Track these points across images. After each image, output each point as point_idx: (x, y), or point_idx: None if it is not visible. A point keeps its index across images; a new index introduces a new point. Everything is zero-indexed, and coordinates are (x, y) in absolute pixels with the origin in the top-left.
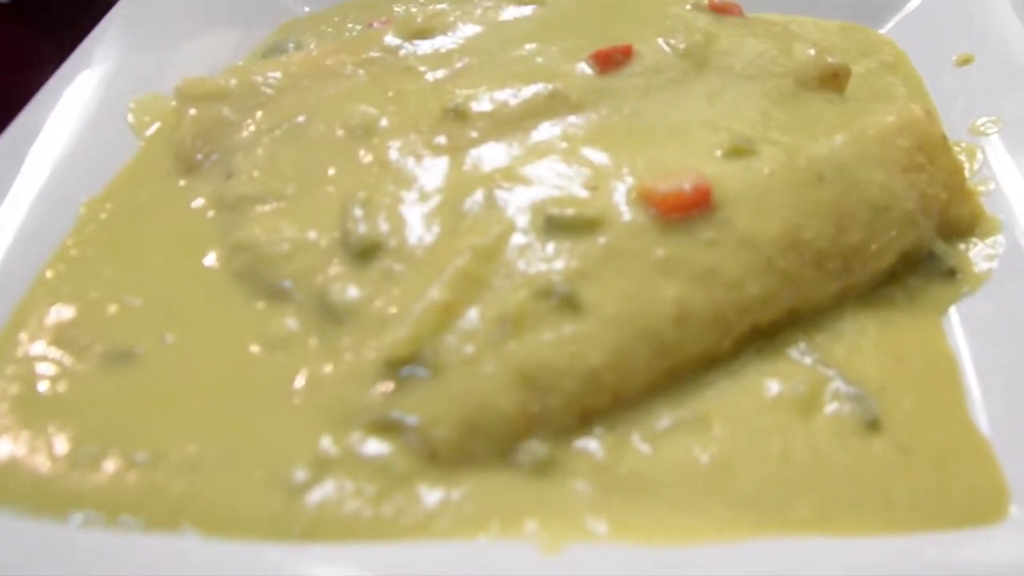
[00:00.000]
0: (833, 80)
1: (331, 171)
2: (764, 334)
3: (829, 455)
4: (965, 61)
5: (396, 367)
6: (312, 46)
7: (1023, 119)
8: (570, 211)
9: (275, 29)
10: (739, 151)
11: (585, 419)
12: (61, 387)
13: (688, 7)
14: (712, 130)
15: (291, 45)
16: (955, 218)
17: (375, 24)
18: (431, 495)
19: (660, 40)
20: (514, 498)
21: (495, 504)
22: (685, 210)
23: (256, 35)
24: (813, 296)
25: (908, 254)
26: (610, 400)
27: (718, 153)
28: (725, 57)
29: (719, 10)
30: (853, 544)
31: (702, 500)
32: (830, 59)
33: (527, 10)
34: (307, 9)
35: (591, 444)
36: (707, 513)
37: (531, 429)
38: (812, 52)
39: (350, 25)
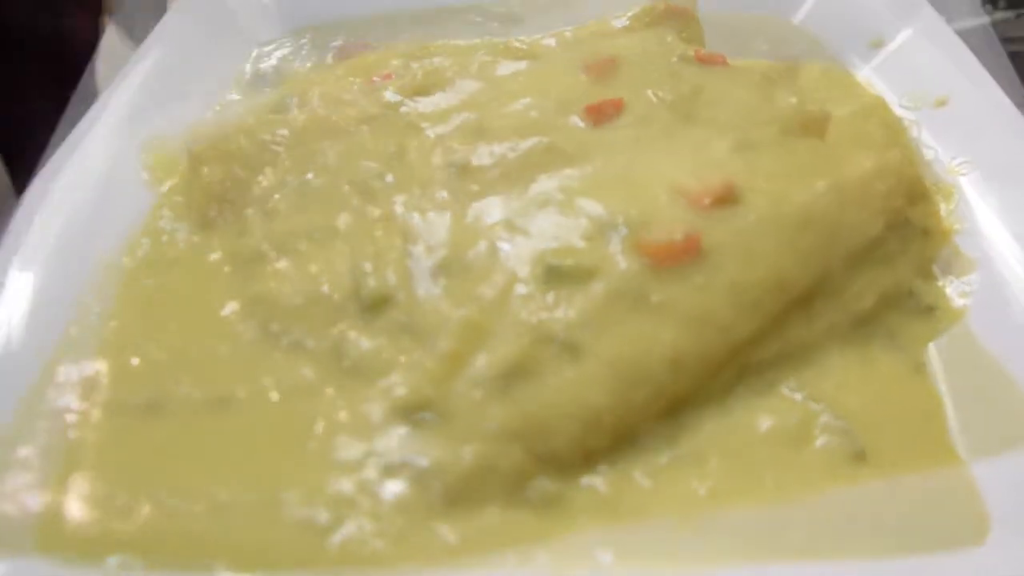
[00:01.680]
0: (815, 126)
1: (340, 226)
2: (754, 372)
3: (821, 486)
4: (940, 103)
5: (409, 414)
6: (316, 100)
7: (996, 159)
8: (569, 261)
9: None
10: (727, 199)
11: (588, 458)
12: (92, 439)
13: (675, 59)
14: (700, 179)
15: (293, 100)
16: (932, 258)
17: (375, 80)
18: (449, 533)
19: (649, 92)
20: (526, 533)
21: (508, 539)
22: (676, 258)
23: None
24: (799, 335)
25: (888, 293)
26: (611, 440)
27: (707, 201)
28: (711, 107)
29: (705, 61)
30: (846, 567)
31: (702, 529)
32: (811, 106)
33: (521, 65)
34: (308, 64)
35: (595, 480)
36: (707, 542)
37: (538, 469)
38: (794, 100)
39: (352, 79)
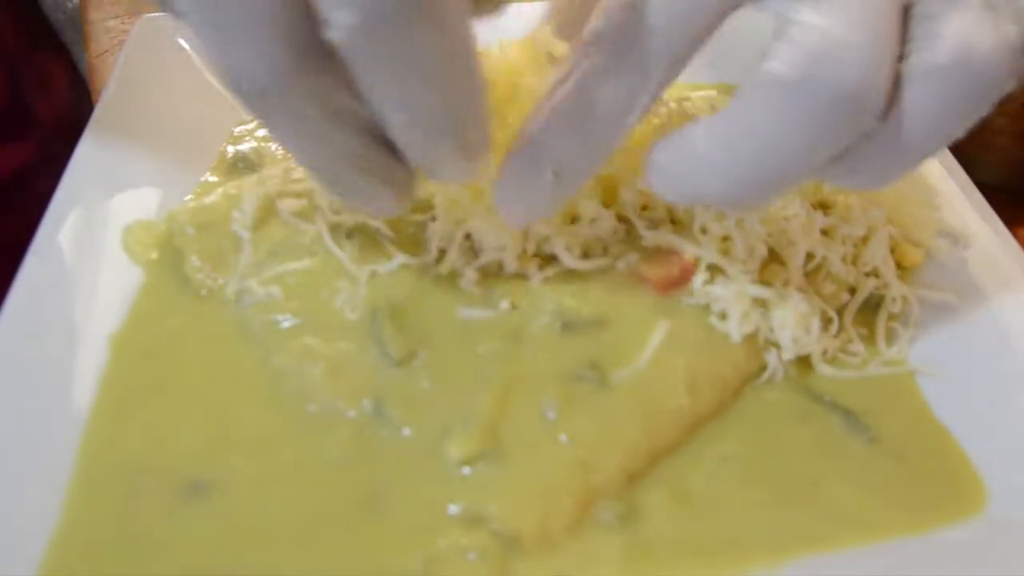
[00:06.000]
0: None
1: (340, 285)
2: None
3: (849, 475)
4: None
5: (467, 465)
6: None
7: None
8: (580, 306)
9: (228, 138)
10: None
11: (632, 480)
12: (145, 526)
13: None
14: None
15: (246, 160)
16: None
17: None
18: (532, 572)
19: None
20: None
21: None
22: (677, 285)
23: (212, 147)
24: None
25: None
26: (647, 463)
27: None
28: None
29: None
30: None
31: (758, 528)
32: None
33: None
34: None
35: (650, 496)
36: (764, 540)
37: (596, 497)
38: None
39: None
